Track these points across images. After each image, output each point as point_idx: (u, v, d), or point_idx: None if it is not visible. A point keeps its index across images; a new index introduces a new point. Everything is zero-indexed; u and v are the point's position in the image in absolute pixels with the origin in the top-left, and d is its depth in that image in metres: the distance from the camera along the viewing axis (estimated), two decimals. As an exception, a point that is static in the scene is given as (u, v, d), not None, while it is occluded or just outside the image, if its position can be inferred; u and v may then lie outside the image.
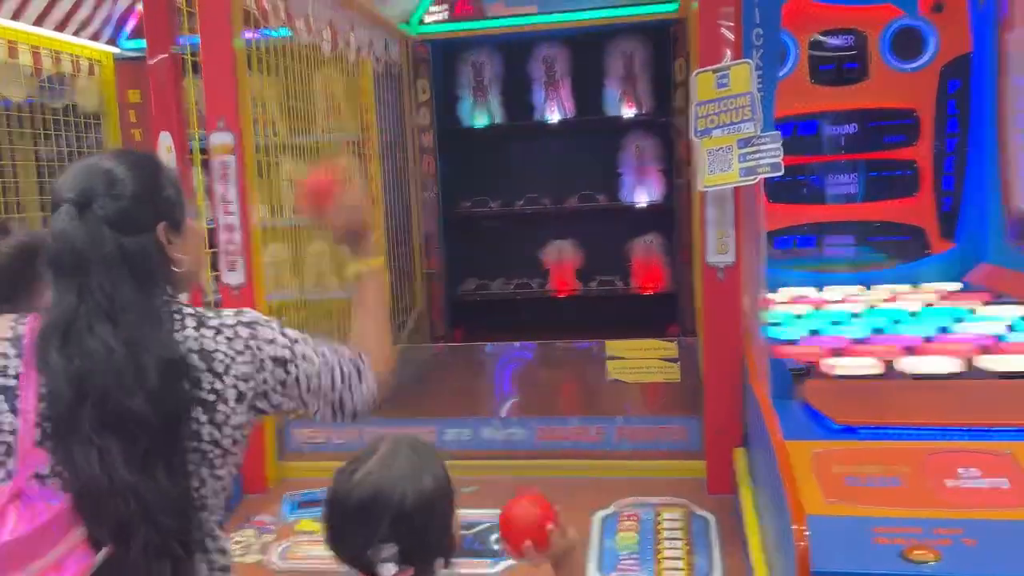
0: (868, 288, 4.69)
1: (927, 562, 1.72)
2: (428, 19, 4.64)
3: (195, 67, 2.75)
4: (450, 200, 4.88)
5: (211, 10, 2.59)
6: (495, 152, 4.93)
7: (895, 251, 5.08)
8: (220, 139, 2.59)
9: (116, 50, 4.50)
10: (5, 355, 1.31)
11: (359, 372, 1.50)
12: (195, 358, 1.32)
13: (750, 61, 2.34)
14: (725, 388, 2.49)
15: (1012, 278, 4.51)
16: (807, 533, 1.59)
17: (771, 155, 2.29)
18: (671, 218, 4.65)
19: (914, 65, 4.92)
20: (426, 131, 4.76)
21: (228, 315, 1.39)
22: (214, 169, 2.62)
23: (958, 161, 4.95)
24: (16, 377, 1.29)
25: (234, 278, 2.67)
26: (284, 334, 1.44)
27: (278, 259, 3.18)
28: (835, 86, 4.90)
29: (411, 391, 3.84)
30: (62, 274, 1.30)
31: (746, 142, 2.31)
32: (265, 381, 1.39)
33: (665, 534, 2.32)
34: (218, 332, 1.36)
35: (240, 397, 1.35)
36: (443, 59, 4.83)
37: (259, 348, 1.38)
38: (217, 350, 1.34)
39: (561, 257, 4.83)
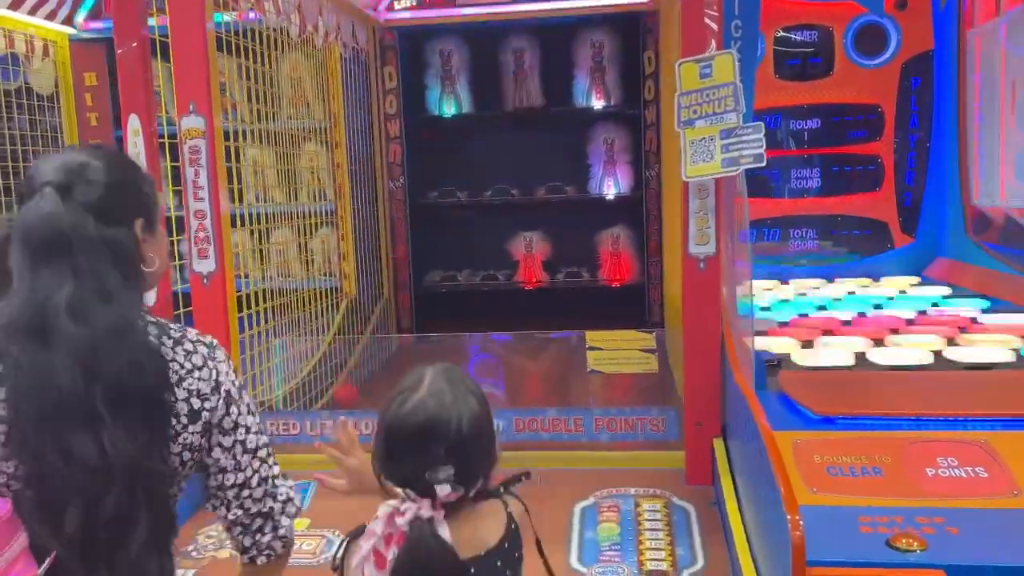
0: (831, 282, 4.76)
1: (913, 550, 1.74)
2: (397, 6, 4.57)
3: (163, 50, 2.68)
4: (417, 190, 4.82)
5: (182, -9, 2.52)
6: (463, 142, 4.88)
7: (857, 245, 5.15)
8: (191, 123, 2.51)
9: (72, 31, 4.36)
10: None
11: (286, 502, 1.43)
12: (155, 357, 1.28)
13: (733, 52, 2.34)
14: (704, 379, 2.49)
15: (970, 272, 4.61)
16: (802, 523, 1.59)
17: (753, 146, 2.29)
18: (640, 210, 4.65)
19: (877, 61, 5.00)
20: (393, 119, 4.70)
21: (191, 332, 1.36)
22: (184, 154, 2.54)
23: (919, 157, 5.04)
24: None
25: (205, 266, 2.59)
26: (237, 381, 1.39)
27: (241, 249, 3.11)
28: (800, 81, 4.96)
29: (384, 381, 3.81)
30: (49, 255, 1.24)
31: (729, 133, 2.31)
32: (212, 410, 1.33)
33: (646, 525, 2.32)
34: (177, 343, 1.32)
35: (194, 416, 1.30)
36: (411, 47, 4.77)
37: (216, 370, 1.34)
38: (174, 360, 1.30)
39: (529, 248, 4.81)
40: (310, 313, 3.75)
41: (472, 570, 1.37)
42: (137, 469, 1.20)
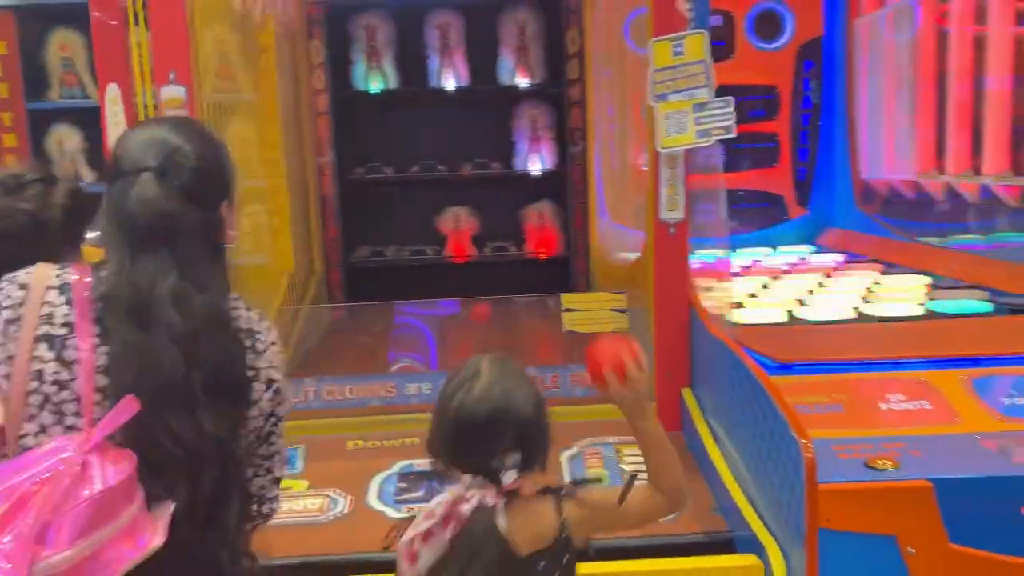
0: (734, 251, 5.10)
1: (888, 468, 2.01)
2: (323, -20, 4.57)
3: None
4: (344, 166, 4.84)
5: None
6: (389, 118, 4.92)
7: (756, 217, 5.55)
8: (171, 93, 2.49)
9: (-23, -3, 4.14)
10: (51, 303, 1.26)
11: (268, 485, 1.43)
12: (242, 335, 1.33)
13: (704, 31, 2.55)
14: (673, 335, 2.71)
15: (858, 240, 5.08)
16: (812, 447, 1.81)
17: (724, 119, 2.51)
18: (564, 185, 4.85)
19: (774, 45, 5.39)
20: (320, 94, 4.70)
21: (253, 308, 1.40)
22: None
23: (812, 134, 5.46)
24: (65, 325, 1.24)
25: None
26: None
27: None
28: (704, 62, 5.27)
29: (335, 349, 3.85)
30: (151, 241, 1.26)
31: (701, 107, 2.52)
32: (281, 380, 1.39)
33: (630, 466, 2.51)
34: (261, 318, 1.38)
35: (270, 384, 1.35)
36: (337, 22, 4.77)
37: (280, 348, 1.40)
38: (259, 332, 1.36)
39: (457, 224, 4.92)
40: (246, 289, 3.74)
41: (522, 568, 1.42)
42: (224, 451, 1.26)
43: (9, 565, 1.04)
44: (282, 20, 4.20)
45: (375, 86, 4.83)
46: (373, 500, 2.40)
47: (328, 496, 2.43)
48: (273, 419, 1.37)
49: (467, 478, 1.46)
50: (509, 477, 1.41)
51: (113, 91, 2.48)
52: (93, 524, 1.11)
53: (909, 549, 1.81)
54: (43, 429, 1.22)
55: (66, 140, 4.44)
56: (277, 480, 1.41)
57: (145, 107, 2.54)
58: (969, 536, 1.88)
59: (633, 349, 1.49)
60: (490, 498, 1.41)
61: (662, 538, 2.12)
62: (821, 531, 1.81)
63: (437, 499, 1.49)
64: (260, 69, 4.08)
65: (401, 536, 1.49)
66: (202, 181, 1.31)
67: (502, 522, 1.41)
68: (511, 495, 1.43)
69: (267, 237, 4.21)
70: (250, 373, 1.32)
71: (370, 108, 4.89)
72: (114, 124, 2.49)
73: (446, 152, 4.92)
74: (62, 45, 4.40)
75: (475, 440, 1.42)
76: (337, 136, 4.77)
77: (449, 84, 4.81)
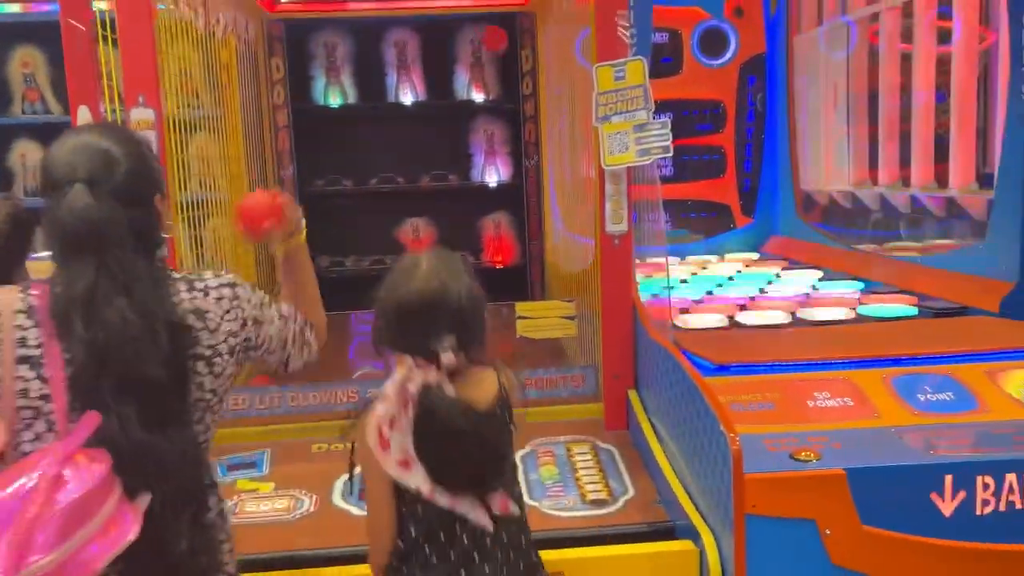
0: (683, 259, 5.32)
1: (811, 460, 2.20)
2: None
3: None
4: (305, 178, 4.97)
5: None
6: (349, 132, 5.05)
7: (704, 226, 5.78)
8: (141, 115, 2.62)
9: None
10: (22, 327, 1.38)
11: (303, 332, 1.73)
12: (192, 318, 1.48)
13: (643, 58, 2.74)
14: (620, 339, 2.89)
15: (799, 247, 5.32)
16: (739, 440, 2.00)
17: (661, 139, 2.70)
18: (520, 197, 5.03)
19: (719, 62, 5.62)
20: (281, 109, 4.82)
21: (210, 277, 1.55)
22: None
23: (756, 147, 5.70)
24: (38, 346, 1.37)
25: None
26: (256, 295, 1.62)
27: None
28: (652, 79, 5.47)
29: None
30: (79, 250, 1.37)
31: (641, 127, 2.71)
32: (247, 338, 1.58)
33: (579, 464, 2.68)
34: (206, 293, 1.52)
35: (231, 351, 1.54)
36: (297, 39, 4.90)
37: (240, 308, 1.56)
38: (209, 310, 1.50)
39: (416, 234, 5.07)
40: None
41: (483, 420, 1.57)
42: (149, 447, 1.36)
43: None
44: (243, 37, 4.32)
45: (334, 101, 4.97)
46: (337, 499, 2.54)
47: (294, 496, 2.56)
48: (248, 341, 1.58)
49: (408, 360, 1.56)
50: (448, 357, 1.54)
51: (84, 113, 2.59)
52: (72, 526, 1.24)
53: (826, 531, 2.00)
54: (38, 437, 1.37)
55: (28, 155, 4.52)
56: (306, 326, 1.70)
57: (116, 128, 2.64)
58: (883, 519, 2.07)
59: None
60: (432, 376, 1.53)
61: (609, 528, 2.31)
62: (748, 517, 2.00)
63: (386, 383, 1.58)
64: (222, 85, 4.20)
65: (358, 423, 1.60)
66: (133, 181, 1.43)
67: (450, 392, 1.54)
68: (451, 372, 1.56)
69: (228, 250, 4.32)
70: (206, 352, 1.48)
71: (330, 122, 5.02)
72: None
73: (405, 165, 5.07)
74: (24, 62, 4.48)
75: (413, 322, 1.57)
76: (298, 150, 4.90)
77: (407, 99, 4.96)
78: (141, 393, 1.36)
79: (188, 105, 4.11)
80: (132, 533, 1.30)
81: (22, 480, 1.25)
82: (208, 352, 1.49)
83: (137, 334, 1.36)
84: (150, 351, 1.37)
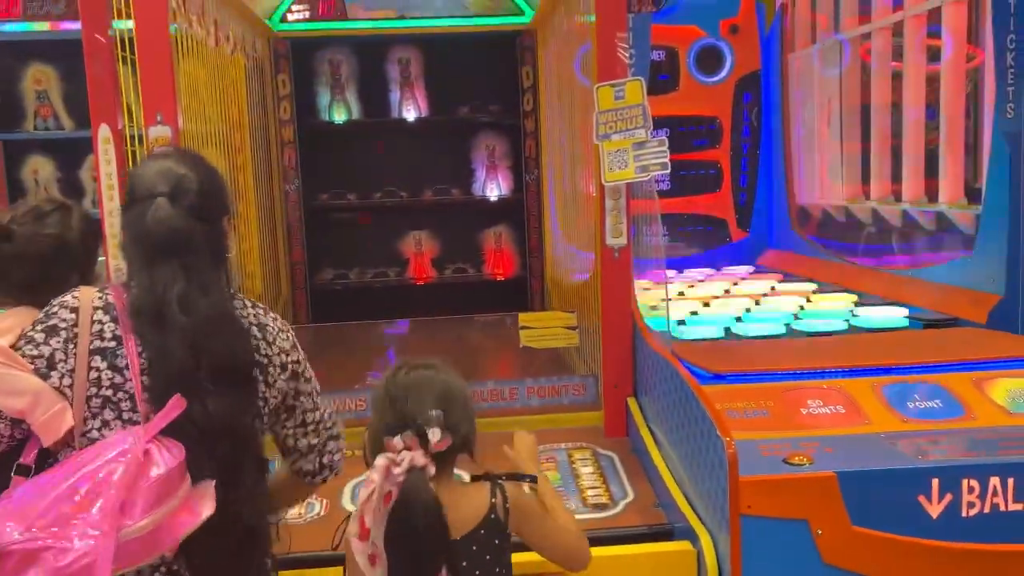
0: (680, 272, 5.41)
1: (804, 464, 2.29)
2: (290, 17, 4.81)
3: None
4: (310, 193, 5.07)
5: (147, -2, 2.64)
6: (353, 147, 5.17)
7: (701, 240, 5.89)
8: (159, 132, 2.72)
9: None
10: (100, 321, 1.53)
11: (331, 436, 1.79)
12: (254, 329, 1.62)
13: (642, 79, 2.85)
14: (620, 348, 2.98)
15: (794, 260, 5.42)
16: (735, 444, 2.09)
17: (660, 156, 2.81)
18: (521, 210, 5.13)
19: (715, 79, 5.73)
20: (287, 125, 4.93)
21: (259, 304, 1.69)
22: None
23: (751, 162, 5.81)
24: (113, 339, 1.51)
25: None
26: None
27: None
28: (651, 95, 5.58)
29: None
30: (163, 254, 1.53)
31: (639, 145, 2.81)
32: (296, 361, 1.69)
33: (581, 470, 2.77)
34: (265, 311, 1.68)
35: (284, 367, 1.65)
36: (302, 57, 5.01)
37: (289, 333, 1.70)
38: (268, 324, 1.66)
39: (419, 247, 5.18)
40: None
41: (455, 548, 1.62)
42: (234, 427, 1.53)
43: (98, 531, 1.30)
44: (251, 55, 4.43)
45: (339, 117, 5.08)
46: (347, 503, 2.63)
47: (306, 500, 2.65)
48: (293, 393, 1.66)
49: (397, 442, 1.62)
50: (436, 436, 1.61)
51: (105, 131, 2.69)
52: (160, 499, 1.38)
53: (818, 531, 2.09)
54: (105, 424, 1.49)
55: (40, 169, 4.62)
56: (330, 438, 1.75)
57: (133, 147, 2.75)
58: (873, 520, 2.16)
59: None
60: (419, 458, 1.59)
61: (609, 531, 2.39)
62: (744, 518, 2.09)
63: (373, 466, 1.63)
64: (230, 101, 4.31)
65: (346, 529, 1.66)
66: (205, 201, 1.59)
67: (431, 489, 1.59)
68: (438, 468, 1.63)
69: (236, 261, 4.42)
70: (263, 360, 1.60)
71: (334, 138, 5.13)
72: (106, 161, 2.70)
73: (408, 179, 5.18)
74: (37, 79, 4.59)
75: (404, 400, 1.68)
76: (303, 164, 5.00)
77: (410, 115, 5.07)
78: (232, 381, 1.52)
79: (199, 120, 4.22)
80: (209, 509, 1.44)
81: (112, 454, 1.38)
82: (264, 360, 1.63)
83: (224, 330, 1.53)
84: (243, 343, 1.56)
